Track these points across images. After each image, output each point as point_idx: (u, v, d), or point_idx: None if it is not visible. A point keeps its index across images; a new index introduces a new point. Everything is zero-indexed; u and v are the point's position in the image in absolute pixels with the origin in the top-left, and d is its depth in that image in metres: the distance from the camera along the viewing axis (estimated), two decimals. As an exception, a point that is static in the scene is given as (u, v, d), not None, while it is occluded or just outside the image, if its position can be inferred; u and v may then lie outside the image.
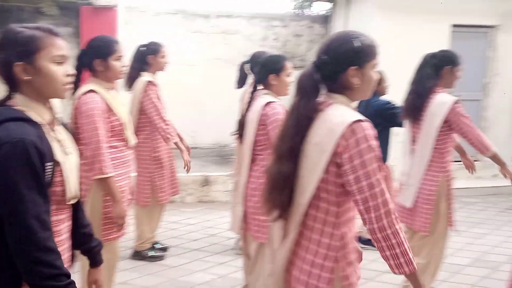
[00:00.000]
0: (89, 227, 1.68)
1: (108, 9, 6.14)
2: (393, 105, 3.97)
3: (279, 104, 2.65)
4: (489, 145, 2.84)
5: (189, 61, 7.03)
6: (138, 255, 3.84)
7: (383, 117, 3.96)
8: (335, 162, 1.48)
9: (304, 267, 1.57)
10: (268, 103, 2.63)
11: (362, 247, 4.39)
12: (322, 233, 1.55)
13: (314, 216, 1.55)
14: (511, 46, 6.54)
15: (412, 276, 1.52)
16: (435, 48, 6.55)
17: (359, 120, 1.47)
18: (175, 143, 3.58)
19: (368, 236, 4.47)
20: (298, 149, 1.55)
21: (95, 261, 1.70)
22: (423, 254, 3.01)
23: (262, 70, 2.76)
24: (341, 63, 1.52)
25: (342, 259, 1.56)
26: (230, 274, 3.63)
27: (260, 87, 2.80)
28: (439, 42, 6.25)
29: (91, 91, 2.46)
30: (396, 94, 5.78)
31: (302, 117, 1.54)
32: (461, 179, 6.21)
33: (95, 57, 2.47)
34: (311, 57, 7.43)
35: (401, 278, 3.49)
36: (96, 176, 2.39)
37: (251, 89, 2.87)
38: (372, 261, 4.03)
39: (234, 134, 3.08)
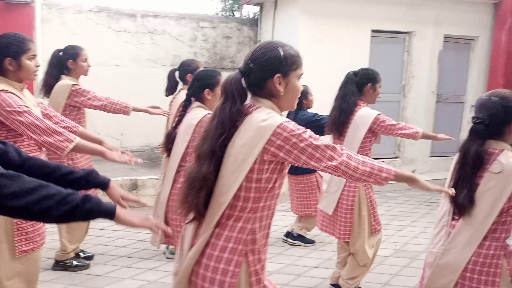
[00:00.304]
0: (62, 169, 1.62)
1: (24, 5, 5.74)
2: (320, 116, 4.15)
3: None
4: (415, 129, 3.09)
5: (115, 61, 6.78)
6: (61, 265, 3.61)
7: (311, 129, 4.11)
8: (262, 160, 1.54)
9: (210, 264, 1.57)
10: (205, 115, 2.65)
11: (292, 243, 4.56)
12: (233, 228, 1.58)
13: (228, 215, 1.58)
14: (425, 51, 7.07)
15: (399, 178, 1.68)
16: (357, 52, 6.98)
17: (286, 121, 1.55)
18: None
19: (299, 232, 4.64)
20: (220, 150, 1.57)
21: (98, 185, 1.67)
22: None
23: (197, 84, 2.78)
24: (266, 70, 1.59)
25: (251, 254, 1.59)
26: (160, 279, 3.53)
27: (193, 100, 2.81)
28: (360, 46, 6.62)
29: (4, 91, 2.27)
30: (321, 95, 6.05)
31: (227, 120, 1.57)
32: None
33: (5, 55, 2.29)
34: (240, 59, 7.50)
35: (329, 272, 3.62)
36: (67, 147, 2.26)
37: (183, 102, 2.87)
38: (301, 257, 4.13)
39: (161, 147, 3.04)
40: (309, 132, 1.57)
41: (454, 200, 2.05)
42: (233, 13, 8.72)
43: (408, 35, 7.02)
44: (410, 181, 1.73)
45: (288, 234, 4.48)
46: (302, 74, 1.69)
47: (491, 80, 7.37)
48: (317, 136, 1.59)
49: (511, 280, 2.00)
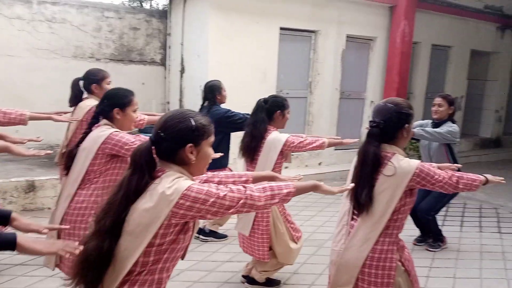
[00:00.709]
0: None
1: None
2: (233, 112, 4.16)
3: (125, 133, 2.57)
4: (321, 140, 3.22)
5: (7, 51, 6.17)
6: None
7: (224, 125, 4.14)
8: (169, 224, 1.54)
9: None
10: (113, 133, 2.51)
11: (204, 240, 4.52)
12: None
13: (123, 280, 1.56)
14: (329, 49, 7.44)
15: (301, 191, 1.73)
16: (266, 48, 7.09)
17: (193, 183, 1.55)
18: None
19: (211, 228, 4.61)
20: (122, 222, 1.54)
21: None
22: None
23: (107, 102, 2.60)
24: (178, 140, 1.60)
25: None
26: (61, 287, 3.28)
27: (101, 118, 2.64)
28: (270, 43, 6.76)
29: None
30: (233, 90, 6.08)
31: (133, 193, 1.55)
32: (292, 169, 6.89)
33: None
34: (149, 51, 7.26)
35: (241, 265, 3.66)
36: None
37: (90, 119, 2.70)
38: (213, 253, 4.13)
39: (60, 165, 2.83)
40: (213, 186, 1.58)
41: (355, 199, 2.19)
42: (141, 3, 8.38)
43: (314, 33, 7.32)
44: (314, 188, 1.81)
45: (200, 231, 4.44)
46: (213, 141, 1.71)
47: (388, 78, 8.00)
48: (221, 186, 1.60)
49: (404, 270, 2.20)
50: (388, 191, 2.10)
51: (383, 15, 7.91)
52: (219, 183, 1.93)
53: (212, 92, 4.29)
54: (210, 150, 1.70)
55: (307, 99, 7.49)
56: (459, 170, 2.52)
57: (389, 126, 2.15)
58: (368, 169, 2.14)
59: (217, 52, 6.30)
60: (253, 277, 3.36)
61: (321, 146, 3.24)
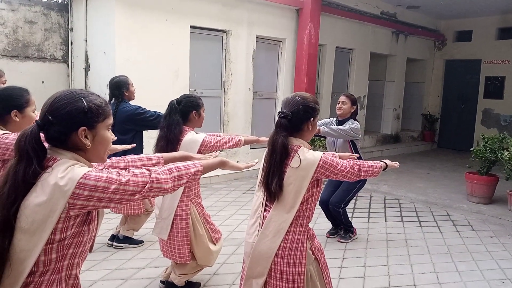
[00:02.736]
0: None
1: None
2: (143, 109, 3.98)
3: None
4: (237, 138, 3.21)
5: None
6: None
7: (134, 123, 3.95)
8: (67, 218, 1.38)
9: None
10: (1, 135, 2.26)
11: (118, 247, 4.25)
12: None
13: (26, 283, 1.38)
14: (241, 50, 7.49)
15: (209, 168, 1.70)
16: (177, 47, 6.92)
17: (89, 170, 1.40)
18: None
19: (126, 233, 4.35)
20: (14, 219, 1.35)
21: None
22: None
23: (1, 105, 2.34)
24: (68, 124, 1.43)
25: None
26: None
27: None
28: (180, 41, 6.61)
29: None
30: (142, 87, 5.83)
31: (21, 184, 1.36)
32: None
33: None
34: (49, 47, 6.68)
35: (159, 271, 3.50)
36: None
37: None
38: (128, 260, 3.91)
39: None
40: (113, 171, 1.44)
41: (266, 187, 2.22)
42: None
43: (225, 33, 7.32)
44: (221, 165, 1.80)
45: (114, 238, 4.17)
46: (111, 124, 1.55)
47: (297, 78, 8.29)
48: (123, 171, 1.47)
49: (314, 258, 2.27)
50: (296, 182, 2.16)
51: (290, 18, 8.17)
52: (126, 168, 1.79)
53: (119, 88, 4.06)
54: (108, 134, 1.53)
55: (221, 99, 7.47)
56: (359, 159, 2.71)
57: (296, 118, 2.22)
58: (277, 158, 2.18)
59: (124, 49, 5.99)
60: (172, 282, 3.23)
61: (238, 144, 3.23)
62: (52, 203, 1.33)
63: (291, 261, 2.18)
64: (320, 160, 2.18)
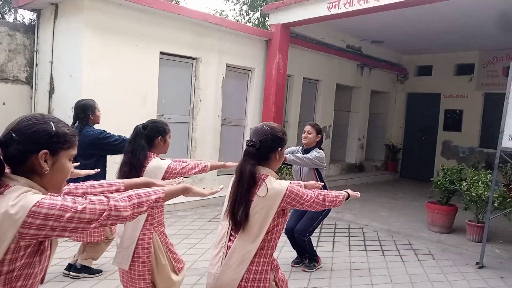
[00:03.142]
0: None
1: None
2: (108, 134, 3.91)
3: None
4: (203, 164, 3.18)
5: None
6: None
7: (98, 147, 3.88)
8: (16, 248, 1.31)
9: None
10: None
11: (75, 276, 4.07)
12: None
13: None
14: (210, 77, 7.56)
15: (170, 195, 1.66)
16: (146, 72, 6.91)
17: (43, 198, 1.34)
18: None
19: (83, 262, 4.18)
20: None
21: None
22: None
23: None
24: (31, 144, 1.39)
25: None
26: None
27: None
28: (149, 67, 6.61)
29: None
30: (109, 112, 5.76)
31: None
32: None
33: None
34: (12, 68, 6.52)
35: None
36: None
37: None
38: (87, 291, 3.74)
39: None
40: (69, 199, 1.39)
41: (232, 216, 2.20)
42: (2, 16, 7.54)
43: (195, 60, 7.39)
44: (184, 191, 1.77)
45: (71, 267, 4.00)
46: (74, 155, 1.52)
47: (265, 107, 8.41)
48: (79, 199, 1.42)
49: None
50: (262, 212, 2.16)
51: (260, 48, 8.36)
52: (84, 194, 1.72)
53: (85, 112, 3.99)
54: (69, 164, 1.49)
55: (189, 125, 7.45)
56: (324, 188, 2.75)
57: (264, 147, 2.25)
58: (244, 186, 2.18)
59: (92, 73, 5.93)
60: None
61: (204, 170, 3.21)
62: (0, 233, 1.27)
63: None
64: (286, 190, 2.19)
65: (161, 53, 6.78)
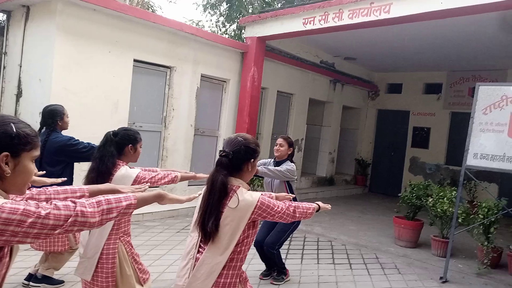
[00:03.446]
0: None
1: None
2: (76, 140, 3.82)
3: None
4: (173, 174, 3.14)
5: None
6: None
7: (65, 154, 3.78)
8: None
9: None
10: None
11: (35, 286, 3.93)
12: None
13: None
14: (185, 86, 7.53)
15: (143, 202, 1.63)
16: (119, 79, 6.82)
17: (4, 202, 1.29)
18: None
19: (45, 272, 4.04)
20: None
21: None
22: None
23: None
24: None
25: None
26: None
27: None
28: (122, 74, 6.53)
29: None
30: (79, 118, 5.64)
31: None
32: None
33: None
34: (-22, 70, 6.30)
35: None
36: None
37: None
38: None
39: None
40: (32, 203, 1.34)
41: (202, 227, 2.17)
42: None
43: (169, 69, 7.35)
44: (158, 198, 1.74)
45: (31, 277, 3.85)
46: (37, 156, 1.48)
47: (239, 119, 8.43)
48: (43, 203, 1.37)
49: None
50: (233, 223, 2.15)
51: (235, 60, 8.40)
52: (47, 200, 1.66)
53: (53, 117, 3.89)
54: (32, 166, 1.45)
55: (161, 134, 7.37)
56: (295, 200, 2.75)
57: (237, 158, 2.24)
58: (216, 197, 2.16)
59: (62, 78, 5.80)
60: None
61: (173, 180, 3.18)
62: None
63: None
64: (258, 202, 2.18)
65: (135, 60, 6.71)
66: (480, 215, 5.54)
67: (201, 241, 2.24)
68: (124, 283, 2.95)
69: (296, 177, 4.59)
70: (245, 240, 2.20)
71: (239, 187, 2.23)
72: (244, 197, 2.17)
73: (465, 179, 5.39)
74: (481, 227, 5.55)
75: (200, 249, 2.23)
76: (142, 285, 3.05)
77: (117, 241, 2.92)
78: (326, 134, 11.83)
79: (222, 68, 8.17)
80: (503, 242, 6.47)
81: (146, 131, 6.92)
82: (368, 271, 5.30)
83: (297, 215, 2.40)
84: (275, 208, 2.26)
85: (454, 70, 11.19)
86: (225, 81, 8.41)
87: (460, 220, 5.66)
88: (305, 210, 2.46)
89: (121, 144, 3.00)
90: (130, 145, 3.03)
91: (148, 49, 6.84)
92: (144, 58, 6.85)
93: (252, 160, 2.30)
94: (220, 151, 2.28)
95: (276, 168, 4.42)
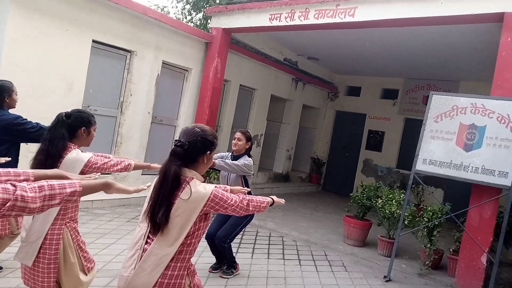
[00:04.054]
0: None
1: None
2: (24, 120, 3.61)
3: None
4: (127, 162, 3.06)
5: None
6: None
7: (11, 133, 3.57)
8: None
9: None
10: None
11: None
12: None
13: None
14: (144, 72, 7.33)
15: (89, 189, 1.60)
16: (75, 59, 6.54)
17: None
18: None
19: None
20: None
21: None
22: None
23: None
24: None
25: None
26: None
27: None
28: (78, 54, 6.27)
29: None
30: (29, 97, 5.36)
31: None
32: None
33: None
34: None
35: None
36: None
37: None
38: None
39: None
40: None
41: (151, 217, 2.11)
42: None
43: (129, 53, 7.13)
44: (105, 187, 1.69)
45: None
46: None
47: (199, 109, 8.32)
48: None
49: None
50: (184, 215, 2.10)
51: (199, 49, 8.27)
52: None
53: (0, 94, 3.67)
54: None
55: (117, 119, 7.15)
56: (249, 193, 2.74)
57: (193, 149, 2.19)
58: (167, 187, 2.10)
59: (13, 53, 5.48)
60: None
61: (127, 168, 3.08)
62: None
63: None
64: (211, 194, 2.14)
65: (93, 41, 6.45)
66: (425, 218, 5.79)
67: (150, 231, 2.18)
68: (66, 271, 2.83)
69: (252, 172, 4.60)
70: (196, 233, 2.16)
71: (193, 178, 2.17)
72: (197, 189, 2.13)
73: (413, 183, 5.61)
74: (425, 229, 5.81)
75: (149, 240, 2.17)
76: (86, 274, 2.94)
77: (63, 226, 2.79)
78: (285, 131, 11.94)
79: (184, 56, 8.03)
80: (444, 245, 6.80)
81: (101, 115, 6.69)
82: (316, 267, 5.41)
83: (251, 209, 2.38)
84: (228, 201, 2.23)
85: (411, 78, 11.60)
86: (187, 70, 8.27)
87: (406, 222, 5.89)
88: (259, 204, 2.45)
89: (73, 126, 2.86)
90: (84, 127, 2.90)
91: (108, 31, 6.60)
92: (104, 39, 6.60)
93: (209, 152, 2.26)
94: (175, 140, 2.21)
95: (234, 162, 4.40)
